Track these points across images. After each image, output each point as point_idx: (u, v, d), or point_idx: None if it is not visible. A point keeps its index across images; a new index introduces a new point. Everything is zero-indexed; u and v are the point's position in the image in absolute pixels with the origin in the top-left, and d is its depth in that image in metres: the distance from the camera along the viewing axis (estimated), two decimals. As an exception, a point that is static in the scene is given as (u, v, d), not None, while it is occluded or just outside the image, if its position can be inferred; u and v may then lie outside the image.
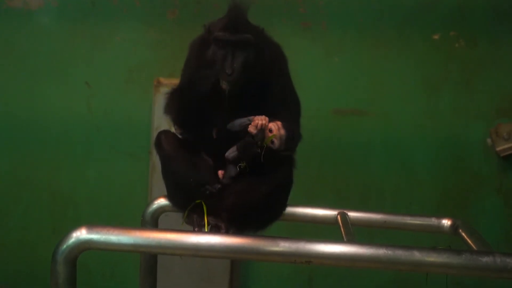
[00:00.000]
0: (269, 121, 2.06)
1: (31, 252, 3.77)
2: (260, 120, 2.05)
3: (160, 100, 3.50)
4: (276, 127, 2.05)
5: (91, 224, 1.77)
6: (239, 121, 2.08)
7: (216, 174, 2.13)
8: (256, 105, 2.13)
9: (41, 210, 3.76)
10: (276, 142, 2.04)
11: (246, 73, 2.09)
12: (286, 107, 2.20)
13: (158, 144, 2.20)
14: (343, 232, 2.15)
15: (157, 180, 3.48)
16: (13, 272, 3.80)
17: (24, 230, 3.78)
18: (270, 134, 2.04)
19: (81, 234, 1.74)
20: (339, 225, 2.24)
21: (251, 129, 2.04)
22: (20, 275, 3.81)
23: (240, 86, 2.09)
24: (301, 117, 2.27)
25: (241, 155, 2.09)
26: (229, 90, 2.08)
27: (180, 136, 2.24)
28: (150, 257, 2.43)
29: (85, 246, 1.75)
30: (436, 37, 3.59)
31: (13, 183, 3.75)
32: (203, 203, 2.06)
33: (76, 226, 1.78)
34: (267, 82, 2.18)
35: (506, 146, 3.57)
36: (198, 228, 2.05)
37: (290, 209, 2.32)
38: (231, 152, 2.10)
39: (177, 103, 2.21)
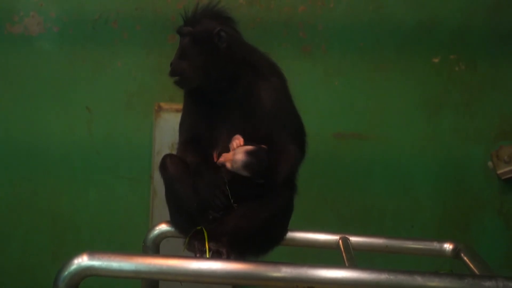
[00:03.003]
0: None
1: (31, 277, 3.75)
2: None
3: (160, 125, 3.51)
4: (232, 152, 2.07)
5: (92, 250, 1.77)
6: None
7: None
8: (250, 126, 2.14)
9: (41, 234, 3.74)
10: (228, 165, 2.05)
11: (195, 66, 2.19)
12: (281, 126, 2.17)
13: (164, 167, 2.18)
14: (344, 257, 2.16)
15: (158, 205, 3.48)
16: (13, 297, 3.79)
17: (24, 254, 3.75)
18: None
19: (83, 260, 1.74)
20: (341, 250, 2.24)
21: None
22: (20, 300, 3.79)
23: (188, 80, 2.22)
24: (305, 136, 2.26)
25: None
26: (176, 83, 2.23)
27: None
28: (151, 283, 2.43)
29: (86, 273, 1.75)
30: (436, 60, 3.60)
31: (13, 207, 3.73)
32: (203, 229, 2.05)
33: (76, 250, 1.78)
34: (251, 92, 2.17)
35: (507, 169, 3.56)
36: (199, 254, 2.03)
37: (291, 234, 2.32)
38: None
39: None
